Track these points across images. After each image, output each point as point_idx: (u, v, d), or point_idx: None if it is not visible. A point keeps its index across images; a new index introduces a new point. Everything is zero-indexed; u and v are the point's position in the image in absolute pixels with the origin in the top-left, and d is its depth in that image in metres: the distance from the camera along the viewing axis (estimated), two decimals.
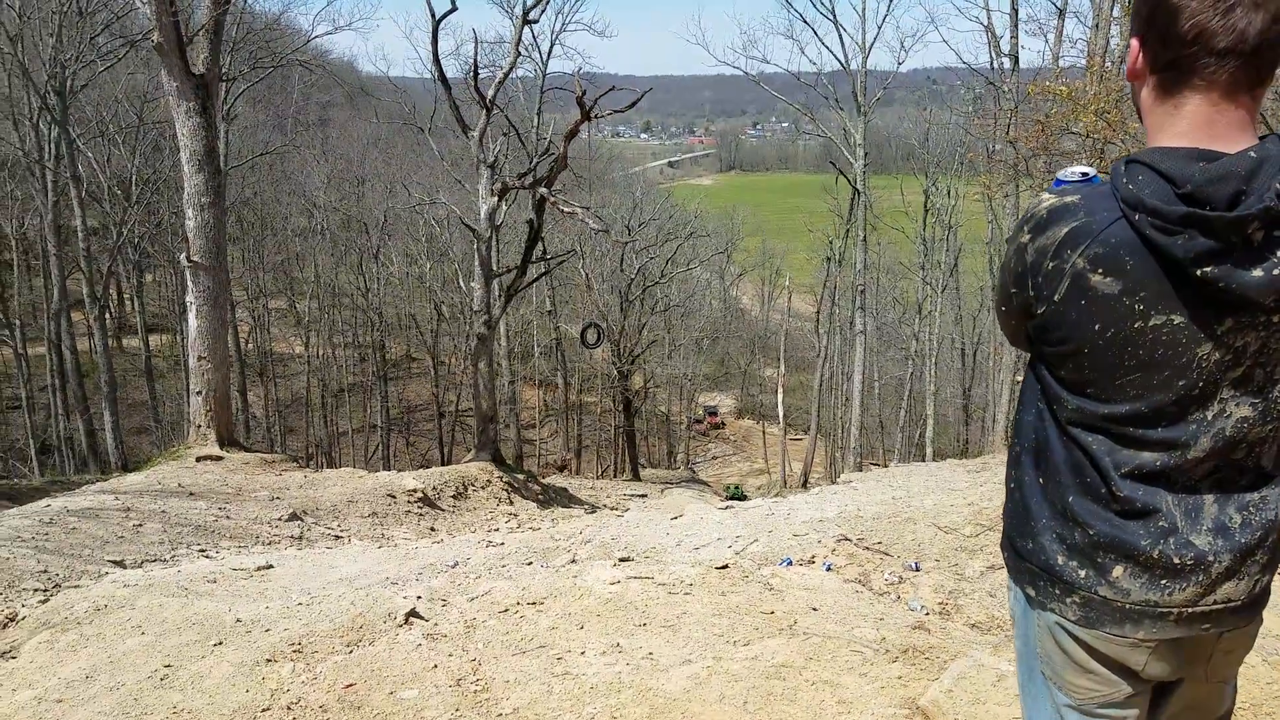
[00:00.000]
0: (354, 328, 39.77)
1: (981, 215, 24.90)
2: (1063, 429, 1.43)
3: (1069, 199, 1.38)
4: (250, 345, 35.13)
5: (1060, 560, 1.44)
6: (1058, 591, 1.45)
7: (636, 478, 28.49)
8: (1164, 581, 1.38)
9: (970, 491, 7.13)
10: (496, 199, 15.12)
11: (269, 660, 3.58)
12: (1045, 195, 1.43)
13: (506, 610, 4.25)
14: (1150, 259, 1.29)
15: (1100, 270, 1.31)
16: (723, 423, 52.87)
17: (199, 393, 11.65)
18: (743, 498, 25.17)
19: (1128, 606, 1.40)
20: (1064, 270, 1.35)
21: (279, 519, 8.51)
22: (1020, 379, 1.70)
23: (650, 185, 63.31)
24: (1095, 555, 1.41)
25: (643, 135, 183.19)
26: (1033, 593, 1.50)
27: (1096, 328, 1.33)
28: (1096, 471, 1.39)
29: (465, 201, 30.25)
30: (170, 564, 6.61)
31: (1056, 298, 1.36)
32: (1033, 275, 1.40)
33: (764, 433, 43.60)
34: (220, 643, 3.83)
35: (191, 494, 9.05)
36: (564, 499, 16.22)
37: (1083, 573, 1.42)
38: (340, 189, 37.49)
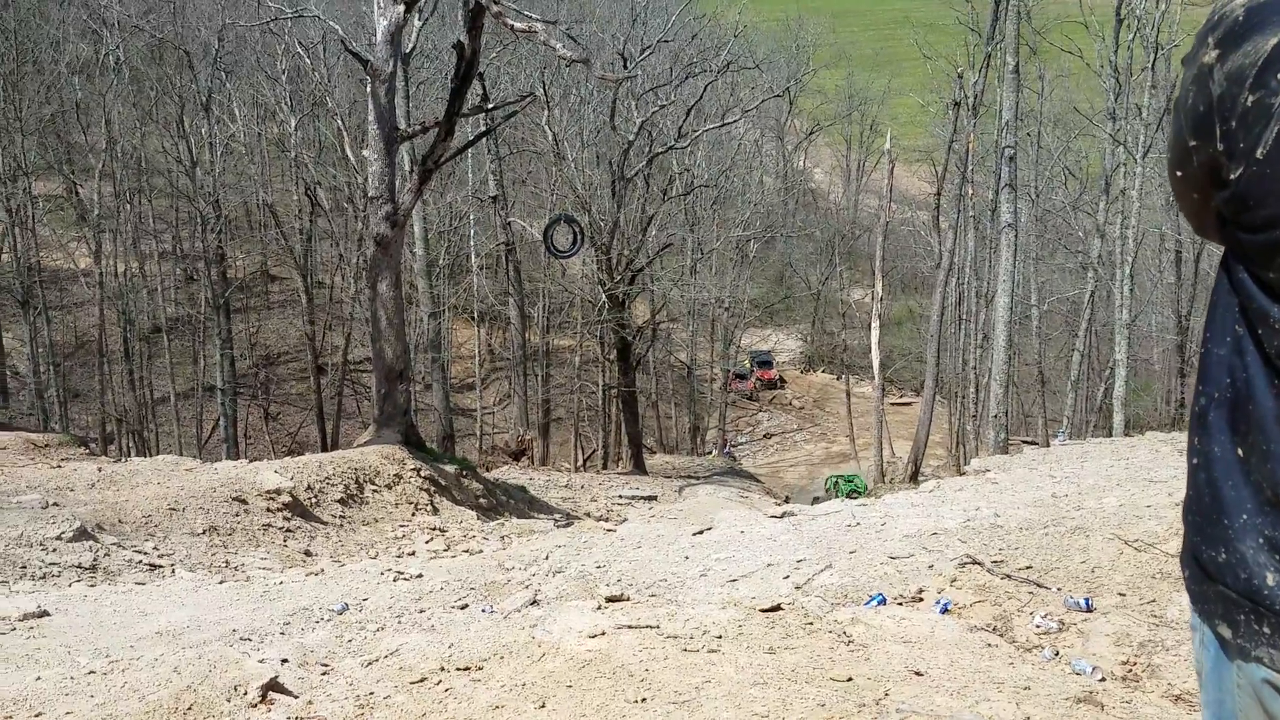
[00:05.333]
0: (174, 227, 39.61)
1: None
2: (1275, 368, 1.43)
3: None
4: (4, 257, 35.13)
5: (1272, 579, 1.45)
6: (1268, 630, 1.46)
7: (639, 469, 28.76)
8: None
9: (1180, 484, 7.14)
10: (403, 9, 14.91)
11: None
12: None
13: (424, 680, 4.32)
14: None
15: None
16: (781, 379, 53.14)
17: None
18: (855, 493, 25.34)
19: None
20: (1272, 107, 1.34)
21: (58, 538, 8.62)
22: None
23: None
24: None
25: None
26: (1228, 633, 1.52)
27: None
28: None
29: (352, 14, 29.91)
30: None
31: (1261, 152, 1.35)
32: (1222, 116, 1.39)
33: (848, 394, 43.80)
34: None
35: None
36: (521, 504, 16.40)
37: None
38: None
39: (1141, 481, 8.50)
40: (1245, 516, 1.47)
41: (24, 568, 8.08)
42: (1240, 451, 1.48)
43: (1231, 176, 1.40)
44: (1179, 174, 1.56)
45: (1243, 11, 1.38)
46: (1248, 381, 1.46)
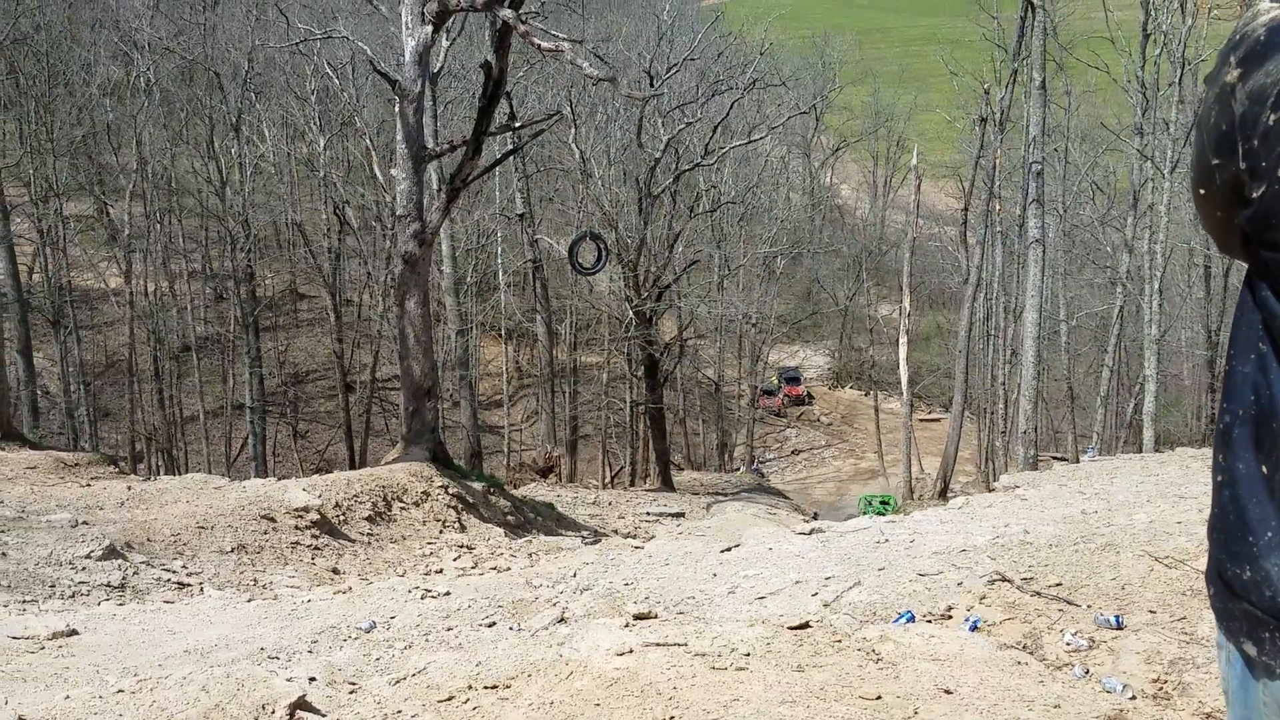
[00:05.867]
0: (204, 247, 39.94)
1: None
2: None
3: None
4: (36, 277, 35.52)
5: None
6: None
7: (667, 486, 28.72)
8: None
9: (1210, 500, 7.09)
10: (431, 29, 15.00)
11: None
12: (1266, 3, 1.41)
13: (451, 698, 4.33)
14: None
15: None
16: (809, 395, 53.00)
17: None
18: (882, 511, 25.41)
19: None
20: None
21: (87, 557, 8.68)
22: None
23: (688, 1, 62.38)
24: None
25: None
26: (1254, 651, 1.52)
27: None
28: None
29: (380, 35, 30.13)
30: None
31: None
32: (1244, 135, 1.39)
33: (876, 411, 43.63)
34: None
35: None
36: (549, 521, 16.40)
37: None
38: (176, 17, 37.38)
39: (1172, 498, 8.44)
40: (1270, 534, 1.47)
41: (53, 586, 8.14)
42: (1265, 469, 1.47)
43: (1254, 195, 1.40)
44: (1202, 192, 1.56)
45: (1264, 31, 1.38)
46: (1272, 399, 1.46)
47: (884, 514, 26.36)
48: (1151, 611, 5.43)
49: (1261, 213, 1.40)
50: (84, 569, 8.51)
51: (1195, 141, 1.55)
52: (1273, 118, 1.36)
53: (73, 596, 8.03)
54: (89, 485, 12.21)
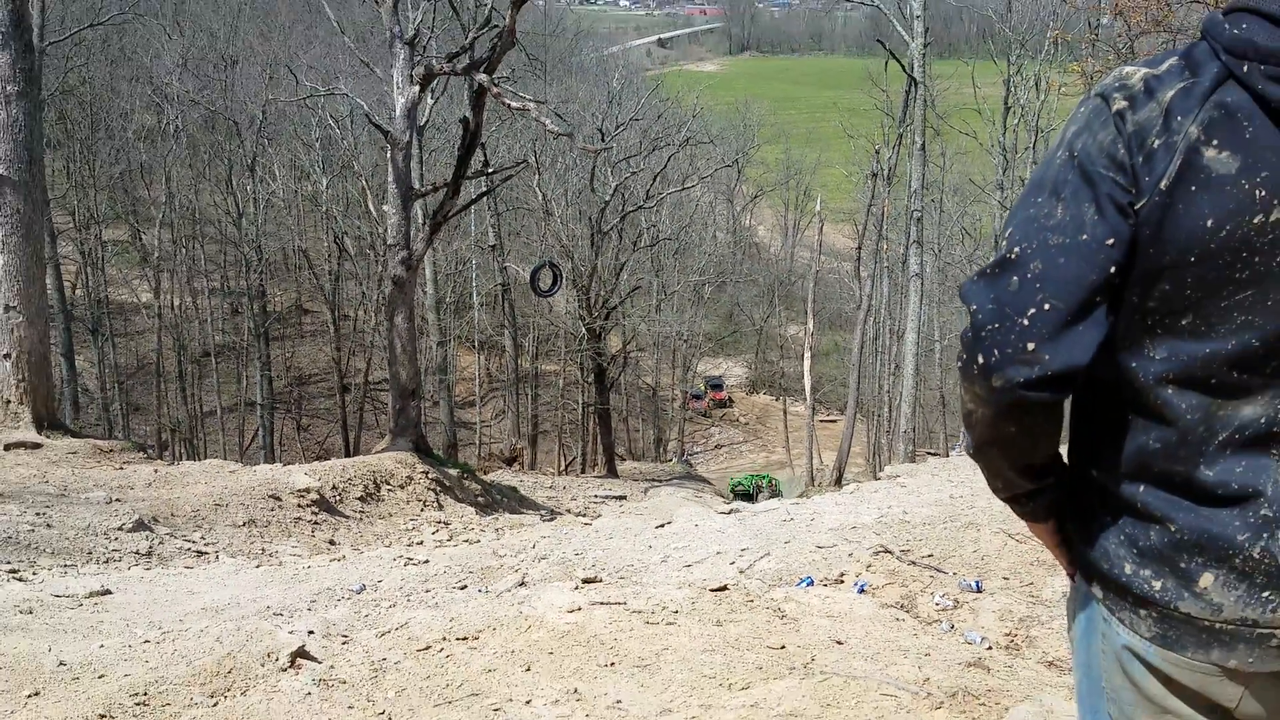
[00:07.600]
0: (222, 268, 39.34)
1: None
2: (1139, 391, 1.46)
3: (1165, 65, 1.41)
4: (78, 291, 34.75)
5: (1129, 569, 1.48)
6: (1128, 604, 1.49)
7: (612, 473, 28.70)
8: (1266, 594, 1.39)
9: None
10: (418, 89, 14.93)
11: (102, 716, 3.62)
12: (1129, 68, 1.45)
13: (428, 648, 4.31)
14: (1270, 126, 1.32)
15: (1215, 142, 1.33)
16: (730, 399, 53.23)
17: (6, 355, 11.55)
18: (750, 495, 25.87)
19: (1218, 626, 1.42)
20: (1175, 145, 1.35)
21: (120, 528, 8.51)
22: None
23: (633, 71, 62.58)
24: (1177, 558, 1.43)
25: (623, 0, 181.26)
26: (1099, 593, 1.55)
27: (1209, 225, 1.34)
28: (1182, 444, 1.42)
29: (375, 93, 29.90)
30: None
31: (1165, 184, 1.36)
32: (1132, 153, 1.39)
33: (785, 413, 43.96)
34: (36, 693, 3.86)
35: None
36: (513, 502, 16.33)
37: (1159, 584, 1.45)
38: (201, 74, 36.83)
39: None
40: (1107, 516, 1.51)
41: (90, 553, 7.97)
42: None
43: (1137, 207, 1.39)
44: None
45: (1141, 83, 1.41)
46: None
47: (747, 490, 27.30)
48: (1005, 578, 5.52)
49: (1141, 222, 1.40)
50: (116, 539, 8.34)
51: (1054, 161, 1.49)
52: (1158, 142, 1.37)
53: (107, 562, 7.87)
54: (121, 468, 11.95)
